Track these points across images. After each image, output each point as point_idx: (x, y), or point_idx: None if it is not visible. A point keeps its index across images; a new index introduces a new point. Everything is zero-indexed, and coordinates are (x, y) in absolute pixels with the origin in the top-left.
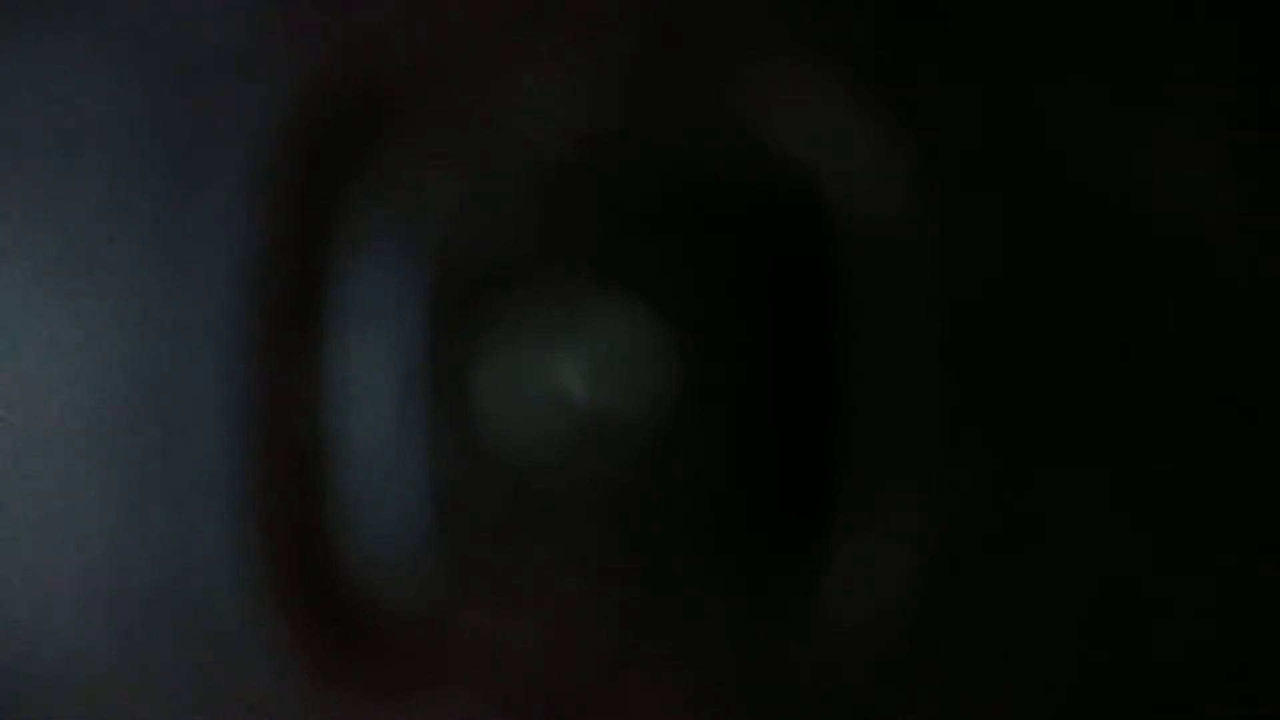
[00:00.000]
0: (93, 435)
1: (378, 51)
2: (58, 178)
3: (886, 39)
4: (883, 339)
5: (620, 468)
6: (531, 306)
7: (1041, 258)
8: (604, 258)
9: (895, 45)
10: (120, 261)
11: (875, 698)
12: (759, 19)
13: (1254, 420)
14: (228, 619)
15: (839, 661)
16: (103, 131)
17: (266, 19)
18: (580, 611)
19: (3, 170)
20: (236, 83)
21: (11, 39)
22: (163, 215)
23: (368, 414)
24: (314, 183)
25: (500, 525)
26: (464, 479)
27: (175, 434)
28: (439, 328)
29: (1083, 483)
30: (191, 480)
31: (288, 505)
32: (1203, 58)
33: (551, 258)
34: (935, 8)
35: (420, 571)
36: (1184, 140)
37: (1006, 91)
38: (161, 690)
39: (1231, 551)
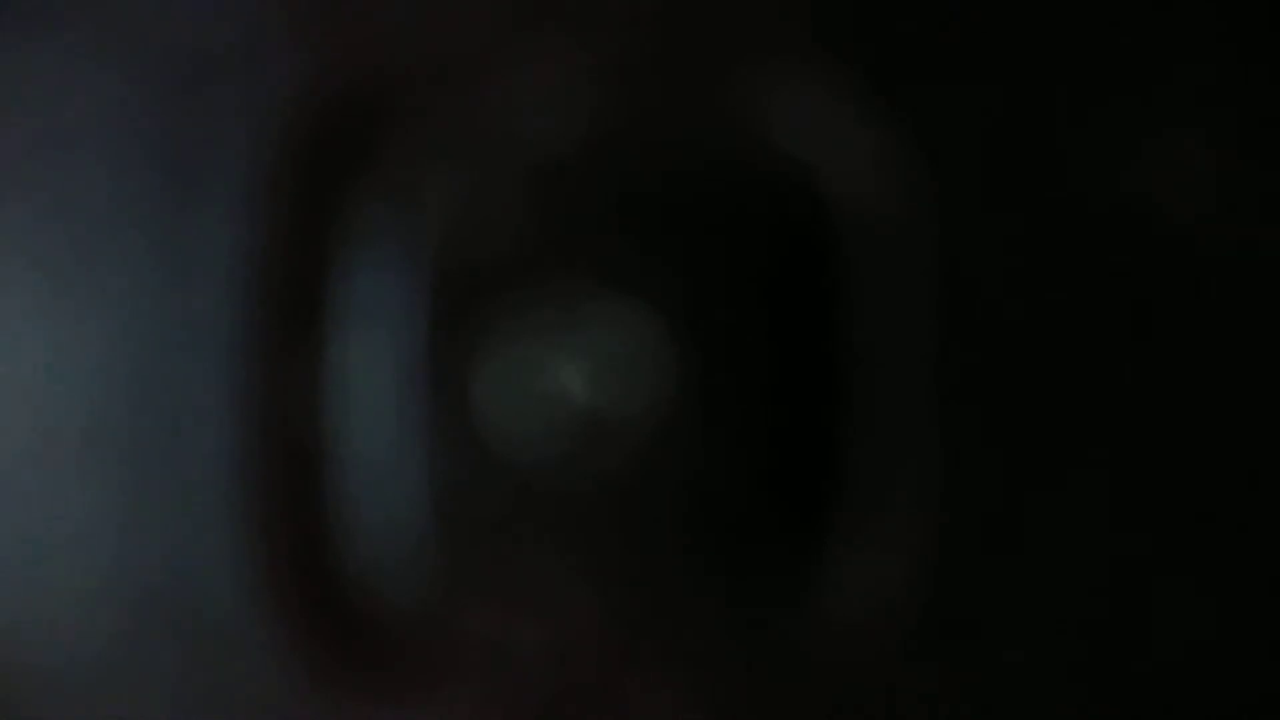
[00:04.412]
0: (93, 435)
1: (378, 52)
2: (58, 178)
3: (887, 39)
4: (882, 339)
5: (620, 468)
6: (531, 307)
7: (1042, 257)
8: (604, 258)
9: (896, 45)
10: (120, 261)
11: (875, 697)
12: (759, 19)
13: (1254, 421)
14: (227, 619)
15: (838, 662)
16: (103, 131)
17: (266, 19)
18: (580, 611)
19: (3, 170)
20: (237, 83)
21: (12, 39)
22: (163, 215)
23: (368, 414)
24: (314, 183)
25: (500, 525)
26: (464, 479)
27: (175, 434)
28: (439, 327)
29: (1083, 483)
30: (191, 480)
31: (288, 505)
32: (1207, 60)
33: (551, 258)
34: (935, 9)
35: (420, 571)
36: (1187, 142)
37: (1006, 91)
38: (161, 690)
39: (1231, 551)
